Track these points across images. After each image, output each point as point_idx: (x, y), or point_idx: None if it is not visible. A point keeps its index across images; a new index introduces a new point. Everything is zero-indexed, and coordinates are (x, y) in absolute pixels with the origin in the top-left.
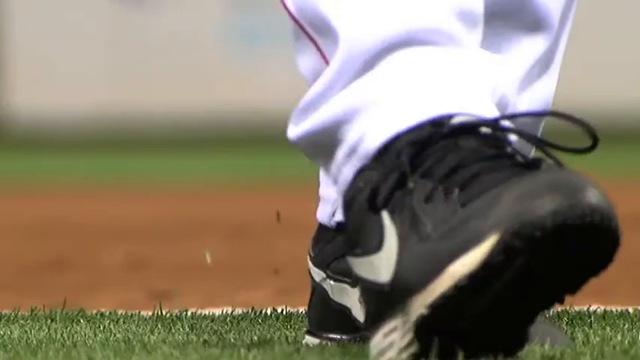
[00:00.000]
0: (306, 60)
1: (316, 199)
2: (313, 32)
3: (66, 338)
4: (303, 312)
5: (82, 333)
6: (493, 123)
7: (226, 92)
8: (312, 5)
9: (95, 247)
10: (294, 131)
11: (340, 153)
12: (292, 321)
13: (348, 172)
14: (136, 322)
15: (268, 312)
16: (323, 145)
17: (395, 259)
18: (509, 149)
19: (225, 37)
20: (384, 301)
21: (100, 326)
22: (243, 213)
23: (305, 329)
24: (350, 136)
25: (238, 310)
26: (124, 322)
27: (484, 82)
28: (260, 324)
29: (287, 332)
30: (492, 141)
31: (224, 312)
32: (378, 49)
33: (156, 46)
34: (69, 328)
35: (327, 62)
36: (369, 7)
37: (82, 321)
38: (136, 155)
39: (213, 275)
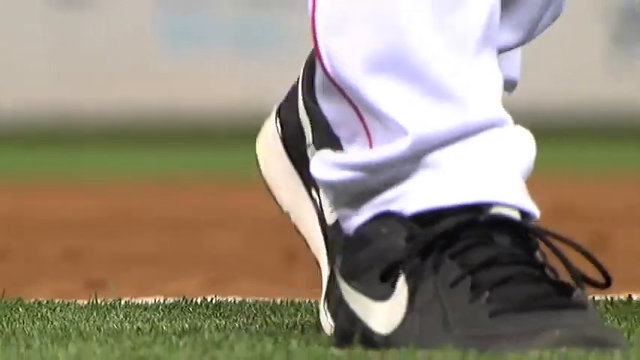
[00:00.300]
0: (338, 111)
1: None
2: (362, 109)
3: (5, 326)
4: (232, 301)
5: (21, 321)
6: (526, 222)
7: (160, 90)
8: (368, 101)
9: (33, 239)
10: (333, 175)
11: (371, 202)
12: (221, 309)
13: (368, 214)
14: (73, 310)
15: (198, 301)
16: (357, 191)
17: (400, 320)
18: (537, 254)
19: (157, 36)
20: (363, 337)
21: (37, 314)
22: (175, 206)
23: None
24: (391, 191)
25: (170, 299)
26: (60, 311)
27: (524, 165)
28: (191, 312)
29: (217, 320)
30: (524, 241)
31: (156, 301)
32: (442, 140)
33: (86, 45)
34: (8, 316)
35: (365, 126)
36: (433, 107)
37: (20, 309)
38: (72, 151)
39: (146, 265)
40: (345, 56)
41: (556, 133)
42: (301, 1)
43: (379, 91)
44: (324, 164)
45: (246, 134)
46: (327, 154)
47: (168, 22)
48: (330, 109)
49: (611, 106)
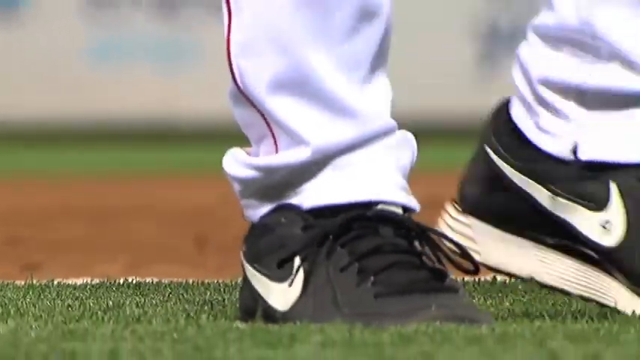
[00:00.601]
0: (248, 117)
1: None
2: (268, 119)
3: None
4: (150, 282)
5: None
6: (407, 217)
7: (86, 98)
8: (274, 115)
9: None
10: (242, 172)
11: (273, 196)
12: (141, 289)
13: (270, 206)
14: (11, 290)
15: (121, 282)
16: (262, 186)
17: (295, 300)
18: (416, 244)
19: (83, 51)
20: (264, 313)
21: None
22: (100, 199)
23: None
24: (292, 188)
25: (96, 280)
26: (0, 290)
27: (407, 164)
28: (114, 291)
29: (137, 298)
30: (406, 233)
31: (84, 281)
32: (337, 150)
33: (22, 58)
34: None
35: (271, 132)
36: (332, 121)
37: None
38: (11, 151)
39: (76, 250)
40: (254, 75)
41: (426, 136)
42: (211, 23)
43: (283, 107)
44: (235, 161)
45: (160, 136)
46: (238, 153)
47: (94, 39)
48: (240, 113)
49: (479, 114)
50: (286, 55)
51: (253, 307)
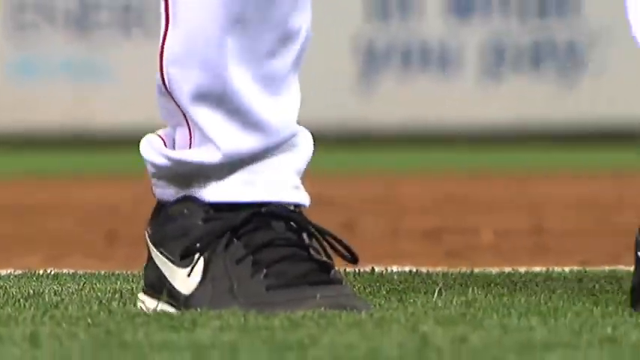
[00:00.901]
0: (170, 109)
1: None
2: (191, 122)
3: None
4: (67, 272)
5: None
6: (296, 214)
7: (9, 110)
8: (193, 119)
9: None
10: (156, 159)
11: (181, 186)
12: (58, 279)
13: (178, 193)
14: None
15: (41, 272)
16: (172, 174)
17: (195, 286)
18: (305, 237)
19: (5, 68)
20: (169, 293)
21: None
22: (24, 198)
23: None
24: (198, 181)
25: (19, 271)
26: None
27: (303, 162)
28: (35, 281)
29: (55, 287)
30: (295, 227)
31: (8, 272)
32: (245, 157)
33: None
34: None
35: (188, 127)
36: (243, 132)
37: None
38: None
39: (0, 244)
40: (179, 84)
41: (320, 142)
42: (121, 44)
43: (202, 115)
44: (151, 147)
45: (74, 144)
46: (155, 140)
47: (16, 56)
48: (164, 103)
49: (357, 123)
50: (211, 72)
51: (158, 285)
